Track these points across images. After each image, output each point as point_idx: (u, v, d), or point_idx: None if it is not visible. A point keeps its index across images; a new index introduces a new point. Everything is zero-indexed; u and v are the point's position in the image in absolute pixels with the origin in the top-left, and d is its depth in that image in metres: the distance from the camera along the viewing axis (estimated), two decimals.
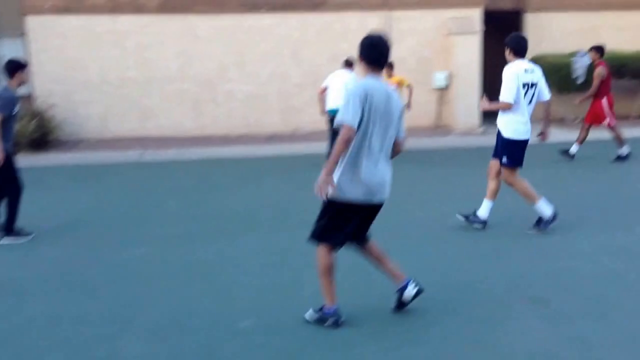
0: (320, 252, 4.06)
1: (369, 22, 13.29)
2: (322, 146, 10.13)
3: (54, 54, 12.60)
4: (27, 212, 6.54)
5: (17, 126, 11.17)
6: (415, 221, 6.56)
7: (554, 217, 5.93)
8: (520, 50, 5.79)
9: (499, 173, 6.05)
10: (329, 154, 9.45)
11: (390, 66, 10.15)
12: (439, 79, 13.46)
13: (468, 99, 13.01)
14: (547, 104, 6.07)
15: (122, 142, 12.61)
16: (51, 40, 12.58)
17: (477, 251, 5.52)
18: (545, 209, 5.93)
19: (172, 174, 9.74)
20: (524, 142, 5.89)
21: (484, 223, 6.12)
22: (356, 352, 3.78)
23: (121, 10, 12.60)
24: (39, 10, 12.40)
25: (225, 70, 13.19)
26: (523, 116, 5.82)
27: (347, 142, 3.80)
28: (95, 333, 4.15)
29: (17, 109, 6.27)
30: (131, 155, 11.46)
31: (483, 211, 6.13)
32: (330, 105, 9.41)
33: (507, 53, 5.83)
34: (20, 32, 12.59)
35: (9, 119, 6.17)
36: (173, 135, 13.03)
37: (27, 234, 6.37)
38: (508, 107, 5.78)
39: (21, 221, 6.40)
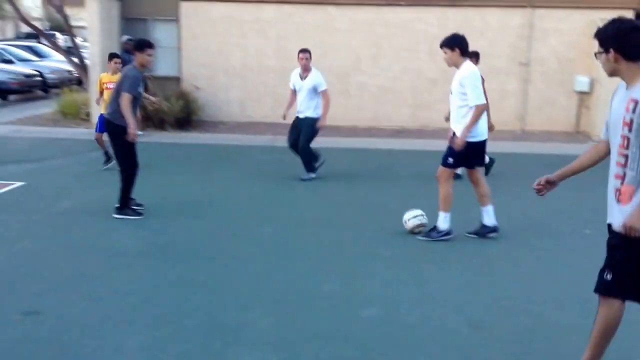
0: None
1: (511, 20, 12.96)
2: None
3: (202, 40, 13.45)
4: (166, 187, 7.10)
5: (164, 106, 12.15)
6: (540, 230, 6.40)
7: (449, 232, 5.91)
8: (467, 50, 5.76)
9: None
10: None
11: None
12: (582, 82, 12.80)
13: None
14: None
15: (256, 126, 13.24)
16: (201, 27, 13.44)
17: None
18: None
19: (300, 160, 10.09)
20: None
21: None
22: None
23: (267, 0, 13.19)
24: None
25: (359, 63, 13.41)
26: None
27: None
28: (226, 302, 4.51)
29: (141, 88, 6.41)
30: (264, 139, 12.01)
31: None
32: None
33: (455, 54, 5.67)
34: (174, 18, 13.56)
35: (135, 98, 6.32)
36: None
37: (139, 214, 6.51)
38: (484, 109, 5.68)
39: (159, 194, 6.97)
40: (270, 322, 4.20)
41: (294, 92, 8.47)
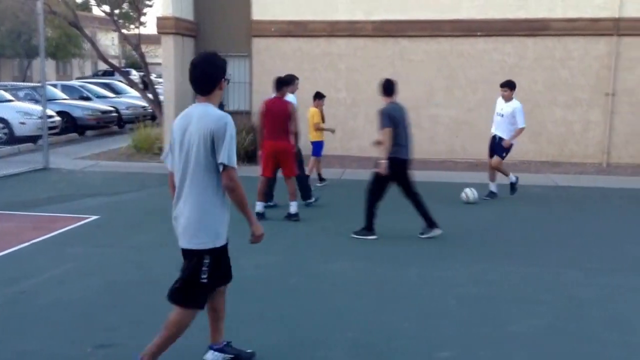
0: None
1: (594, 49, 12.39)
2: (523, 178, 9.54)
3: (273, 74, 13.38)
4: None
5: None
6: None
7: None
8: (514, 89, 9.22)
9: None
10: None
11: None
12: None
13: None
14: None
15: (324, 158, 13.03)
16: (272, 61, 13.47)
17: None
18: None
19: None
20: None
21: None
22: None
23: (338, 33, 13.12)
24: (265, 33, 13.36)
25: (432, 95, 13.08)
26: None
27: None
28: (303, 339, 4.30)
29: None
30: (333, 172, 11.79)
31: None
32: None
33: (510, 93, 9.16)
34: (246, 54, 13.67)
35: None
36: (373, 156, 13.17)
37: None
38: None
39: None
40: None
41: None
